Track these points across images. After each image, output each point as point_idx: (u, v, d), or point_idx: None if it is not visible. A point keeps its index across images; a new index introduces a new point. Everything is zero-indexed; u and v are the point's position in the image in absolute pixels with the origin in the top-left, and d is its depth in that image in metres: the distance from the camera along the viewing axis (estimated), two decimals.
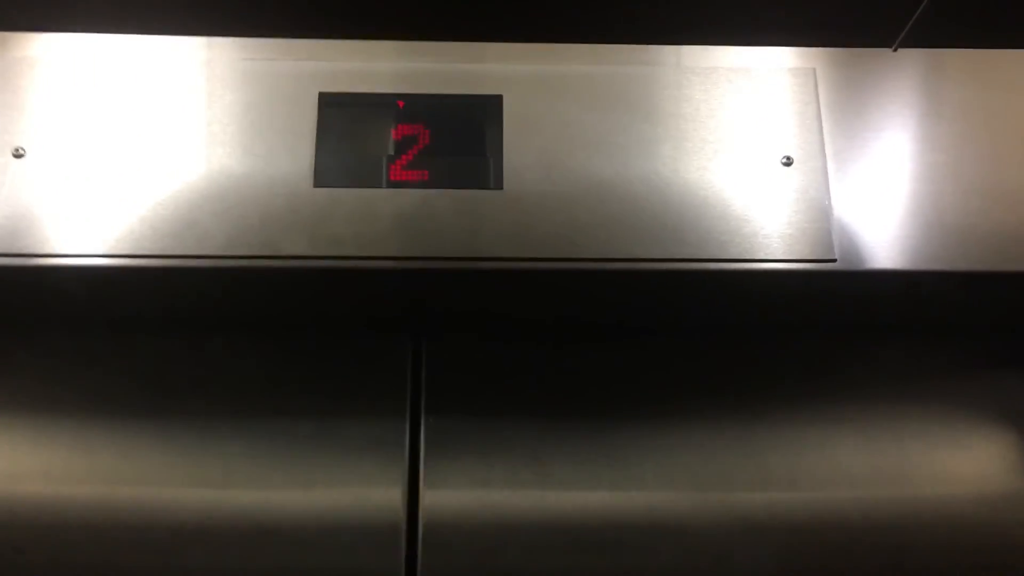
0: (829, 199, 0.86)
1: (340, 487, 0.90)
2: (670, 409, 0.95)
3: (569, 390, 0.95)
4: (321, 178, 0.85)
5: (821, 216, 0.86)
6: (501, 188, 0.86)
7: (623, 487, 0.91)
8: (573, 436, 0.93)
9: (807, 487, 0.93)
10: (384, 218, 0.84)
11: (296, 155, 0.85)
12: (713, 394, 0.96)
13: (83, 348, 0.93)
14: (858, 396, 0.97)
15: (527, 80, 0.89)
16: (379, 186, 0.85)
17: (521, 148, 0.87)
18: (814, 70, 0.90)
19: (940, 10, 0.71)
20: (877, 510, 0.93)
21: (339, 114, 0.87)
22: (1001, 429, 0.97)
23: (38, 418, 0.90)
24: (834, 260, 0.85)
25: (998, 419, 0.97)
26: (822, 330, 0.97)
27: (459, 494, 0.90)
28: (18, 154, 0.84)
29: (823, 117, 0.89)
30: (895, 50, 0.76)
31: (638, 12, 0.80)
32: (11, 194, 0.83)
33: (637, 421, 0.94)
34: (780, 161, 0.87)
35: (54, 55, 0.87)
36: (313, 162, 0.85)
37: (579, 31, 0.88)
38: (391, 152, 0.87)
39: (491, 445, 0.92)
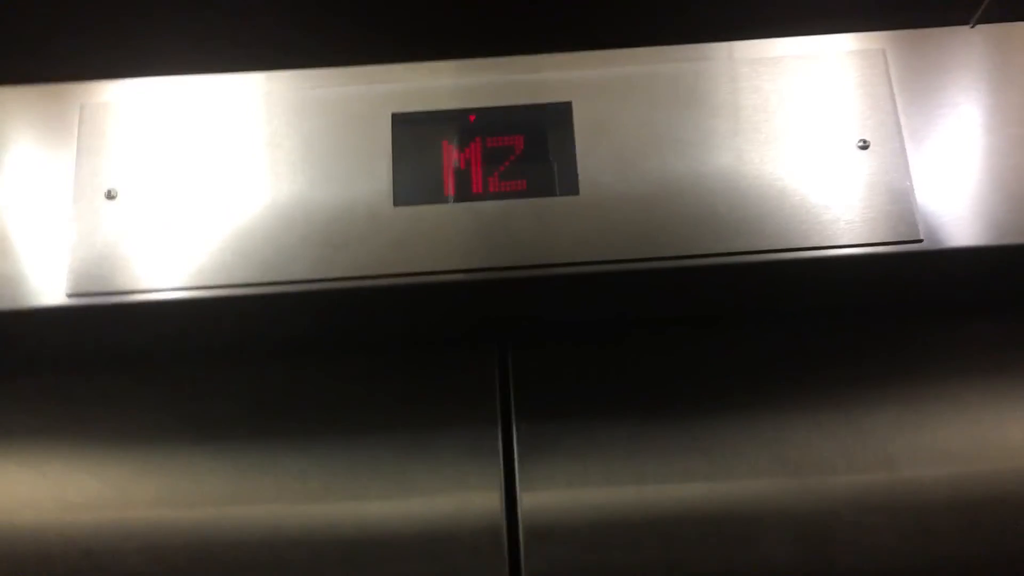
0: (910, 180, 0.85)
1: (438, 495, 0.91)
2: (761, 398, 0.95)
3: (658, 385, 0.95)
4: (400, 197, 0.87)
5: (903, 198, 0.85)
6: (577, 193, 0.86)
7: (718, 478, 0.91)
8: (665, 431, 0.93)
9: (906, 467, 0.92)
10: (463, 231, 0.86)
11: (374, 176, 0.87)
12: (803, 380, 0.95)
13: (185, 377, 0.96)
14: (952, 374, 0.95)
15: (593, 85, 0.90)
16: (456, 200, 0.87)
17: (594, 152, 0.87)
18: (883, 51, 0.89)
19: None
20: (978, 487, 0.91)
21: (412, 133, 0.89)
22: None
23: (147, 445, 0.93)
24: (920, 240, 0.84)
25: None
26: (912, 310, 0.96)
27: (556, 494, 0.91)
28: (111, 195, 0.87)
29: (896, 97, 0.88)
30: (973, 27, 0.75)
31: (702, 11, 0.80)
32: (108, 234, 0.86)
33: (729, 411, 0.94)
34: (856, 145, 0.87)
35: (135, 99, 0.91)
36: (391, 182, 0.87)
37: (639, 34, 0.89)
38: (466, 166, 0.88)
39: (584, 445, 0.93)
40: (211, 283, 0.84)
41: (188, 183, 0.88)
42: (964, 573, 0.89)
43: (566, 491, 0.91)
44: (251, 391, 0.94)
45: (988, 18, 0.78)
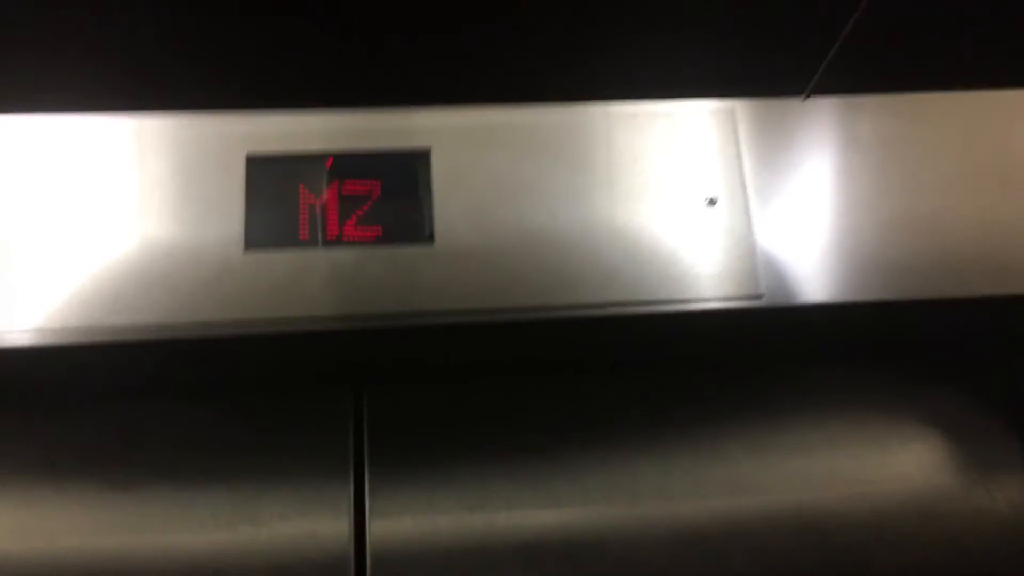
0: (753, 237, 0.89)
1: (288, 525, 0.90)
2: (608, 439, 0.97)
3: (510, 427, 0.97)
4: (252, 241, 0.85)
5: (746, 254, 0.88)
6: (432, 241, 0.87)
7: (563, 507, 0.93)
8: (513, 468, 0.94)
9: (746, 496, 0.95)
10: (316, 278, 0.85)
11: (226, 219, 0.85)
12: (650, 422, 0.98)
13: (27, 420, 0.92)
14: (791, 416, 1.00)
15: (454, 132, 0.90)
16: (311, 246, 0.86)
17: (451, 200, 0.88)
18: (733, 110, 0.93)
19: (846, 63, 0.74)
20: (812, 513, 0.96)
21: (267, 175, 0.87)
22: (929, 441, 1.01)
23: None
24: (760, 296, 0.87)
25: (926, 433, 1.01)
26: (753, 359, 1.00)
27: (404, 522, 0.91)
28: None
29: (744, 156, 0.91)
30: (804, 100, 0.79)
31: (561, 73, 0.82)
32: None
33: (573, 449, 0.96)
34: (705, 201, 0.90)
35: None
36: (243, 225, 0.85)
37: (506, 93, 0.90)
38: (321, 211, 0.87)
39: (434, 479, 0.93)
40: (47, 326, 0.81)
41: (28, 223, 0.84)
42: None
43: (414, 520, 0.91)
44: (90, 437, 0.91)
45: (822, 91, 0.82)
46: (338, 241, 0.86)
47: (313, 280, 0.85)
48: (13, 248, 0.83)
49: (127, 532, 0.88)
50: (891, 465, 0.98)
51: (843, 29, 0.67)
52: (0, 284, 0.82)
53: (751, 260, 0.88)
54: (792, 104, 0.93)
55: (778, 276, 0.88)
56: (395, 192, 0.88)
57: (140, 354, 0.83)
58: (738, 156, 0.91)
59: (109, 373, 0.88)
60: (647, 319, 0.86)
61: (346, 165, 0.89)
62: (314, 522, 0.90)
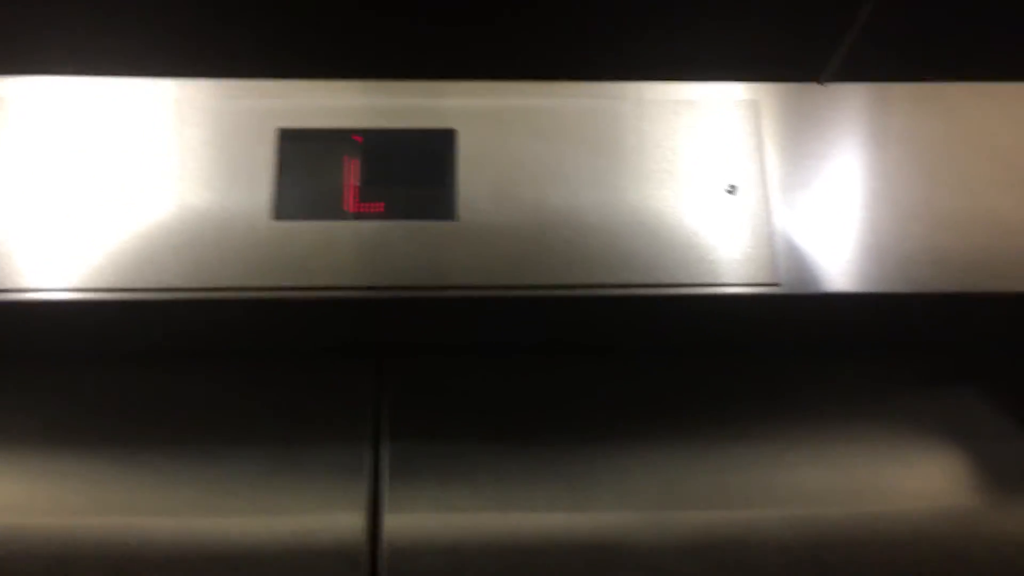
0: (772, 225, 0.89)
1: (302, 513, 0.91)
2: (627, 429, 0.97)
3: (530, 411, 0.97)
4: (280, 211, 0.87)
5: (764, 242, 0.89)
6: (455, 219, 0.88)
7: (582, 508, 0.93)
8: (533, 458, 0.95)
9: (760, 505, 0.95)
10: (342, 249, 0.87)
11: (255, 189, 0.88)
12: (668, 414, 0.98)
13: (46, 382, 0.94)
14: (809, 415, 0.99)
15: (480, 114, 0.92)
16: (337, 218, 0.88)
17: (475, 180, 0.89)
18: (757, 102, 0.94)
19: (866, 46, 0.75)
20: (830, 527, 0.95)
21: (298, 149, 0.90)
22: (947, 444, 1.00)
23: (5, 451, 0.91)
24: (778, 284, 0.88)
25: (944, 434, 1.00)
26: (771, 351, 1.00)
27: (421, 517, 0.91)
28: None
29: (767, 147, 0.92)
30: (822, 83, 0.80)
31: (583, 53, 0.83)
32: None
33: (595, 442, 0.96)
34: (725, 189, 0.91)
35: (19, 95, 0.90)
36: (272, 195, 0.87)
37: (529, 69, 0.91)
38: (349, 185, 0.89)
39: (453, 468, 0.94)
40: (79, 286, 0.84)
41: (63, 184, 0.87)
42: None
43: (431, 514, 0.91)
44: (116, 399, 0.93)
45: (840, 76, 0.83)
46: (363, 215, 0.88)
47: (338, 252, 0.87)
48: (49, 208, 0.85)
49: (131, 512, 0.88)
50: (909, 476, 0.98)
51: (860, 11, 0.68)
52: (36, 242, 0.85)
53: (769, 248, 0.89)
54: (816, 96, 0.94)
55: (796, 265, 0.89)
56: (421, 170, 0.90)
57: (165, 315, 0.85)
58: (760, 146, 0.92)
59: (135, 334, 0.90)
60: (664, 300, 0.87)
61: (374, 142, 0.91)
62: (329, 500, 0.91)
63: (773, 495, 0.96)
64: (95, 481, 0.90)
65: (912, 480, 0.98)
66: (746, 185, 0.91)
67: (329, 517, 0.91)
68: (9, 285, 0.84)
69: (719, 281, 0.87)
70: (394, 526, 0.91)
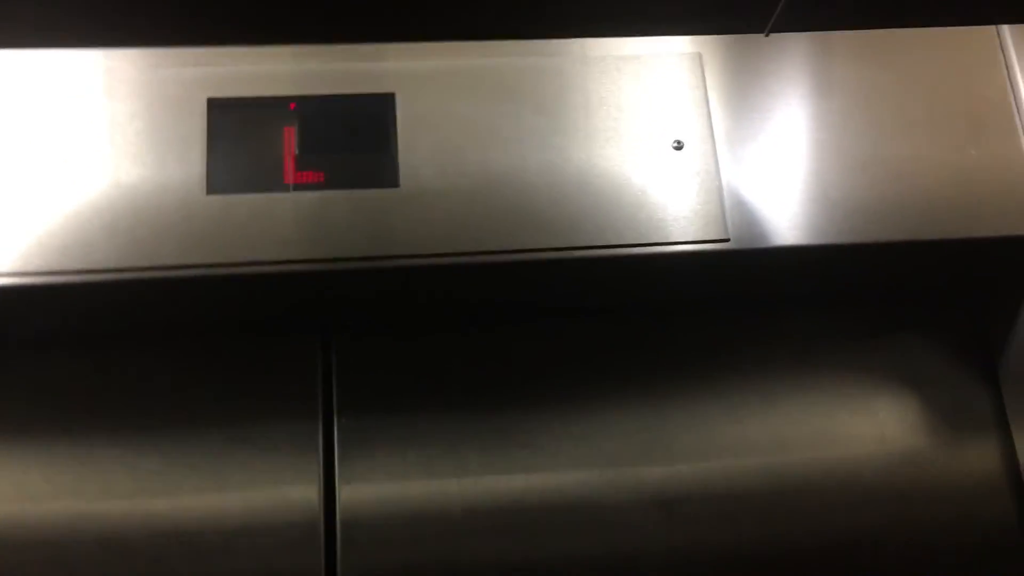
0: (720, 181, 0.88)
1: (257, 488, 0.90)
2: (582, 391, 0.97)
3: (481, 379, 0.97)
4: (214, 185, 0.84)
5: (713, 198, 0.88)
6: (397, 186, 0.86)
7: (540, 469, 0.93)
8: (488, 425, 0.94)
9: (717, 457, 0.96)
10: (281, 221, 0.84)
11: (187, 163, 0.84)
12: (622, 374, 0.98)
13: None
14: (762, 368, 1.00)
15: (419, 77, 0.89)
16: (275, 190, 0.85)
17: (415, 145, 0.87)
18: (700, 55, 0.92)
19: None
20: (786, 476, 0.96)
21: (229, 119, 0.86)
22: (898, 391, 1.01)
23: None
24: (727, 240, 0.87)
25: (895, 381, 1.02)
26: (723, 306, 1.00)
27: (376, 487, 0.91)
28: None
29: (712, 100, 0.91)
30: (767, 35, 0.79)
31: (524, 9, 0.81)
32: None
33: (550, 405, 0.96)
34: (671, 145, 0.89)
35: None
36: (205, 169, 0.84)
37: (468, 29, 0.88)
38: (285, 155, 0.86)
39: (406, 439, 0.93)
40: (4, 271, 0.80)
41: None
42: (770, 558, 0.94)
43: (385, 485, 0.91)
44: (55, 384, 0.91)
45: (784, 26, 0.81)
46: (302, 185, 0.85)
47: (276, 224, 0.84)
48: None
49: (78, 495, 0.87)
50: (861, 423, 0.99)
51: None
52: None
53: (718, 204, 0.88)
54: (760, 48, 0.93)
55: (745, 220, 0.88)
56: (360, 136, 0.87)
57: (100, 296, 0.82)
58: (705, 100, 0.91)
59: (69, 318, 0.87)
60: (613, 261, 0.85)
61: (310, 109, 0.88)
62: (282, 475, 0.90)
63: (729, 447, 0.97)
64: (40, 467, 0.88)
65: (864, 427, 1.00)
66: (692, 141, 0.89)
67: (283, 491, 0.90)
68: None
69: (668, 240, 0.86)
70: (349, 497, 0.90)
